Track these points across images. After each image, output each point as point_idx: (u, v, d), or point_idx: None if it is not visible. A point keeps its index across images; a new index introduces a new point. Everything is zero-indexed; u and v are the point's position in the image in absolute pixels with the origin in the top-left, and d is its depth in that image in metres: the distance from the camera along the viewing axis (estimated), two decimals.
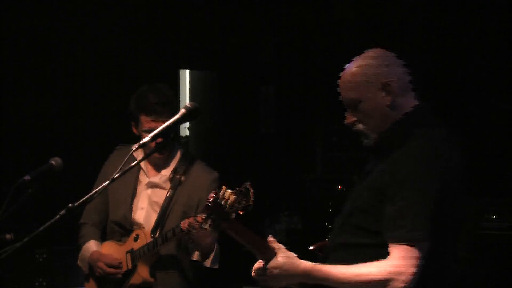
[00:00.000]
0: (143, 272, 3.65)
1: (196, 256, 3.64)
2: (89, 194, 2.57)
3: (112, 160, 3.85)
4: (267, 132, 6.66)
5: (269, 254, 2.53)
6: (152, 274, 3.68)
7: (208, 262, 3.61)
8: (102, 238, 3.88)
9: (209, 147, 6.84)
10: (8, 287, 4.64)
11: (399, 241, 2.43)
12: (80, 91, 5.53)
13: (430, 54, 5.80)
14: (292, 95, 6.51)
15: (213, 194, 2.67)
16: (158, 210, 3.73)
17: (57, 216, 2.52)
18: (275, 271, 2.51)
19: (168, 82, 4.14)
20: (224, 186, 2.75)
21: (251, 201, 3.24)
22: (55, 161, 3.07)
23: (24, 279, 4.65)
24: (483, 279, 4.72)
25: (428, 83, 5.84)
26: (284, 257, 2.53)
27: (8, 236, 3.19)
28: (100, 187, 2.61)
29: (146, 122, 3.63)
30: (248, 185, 3.21)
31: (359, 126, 2.64)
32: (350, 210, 2.62)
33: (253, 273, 2.59)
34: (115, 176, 2.61)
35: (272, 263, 2.51)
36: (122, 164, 2.63)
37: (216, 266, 3.66)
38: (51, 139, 5.32)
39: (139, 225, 3.73)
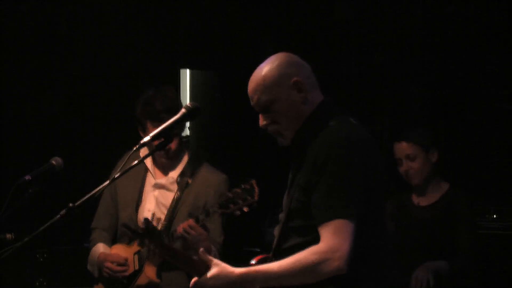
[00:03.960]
0: (149, 273, 3.65)
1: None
2: (90, 194, 2.57)
3: (120, 164, 3.85)
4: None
5: (203, 268, 2.56)
6: (159, 275, 3.67)
7: None
8: (113, 242, 3.88)
9: (209, 146, 6.83)
10: (8, 287, 4.64)
11: (328, 219, 2.45)
12: (80, 90, 5.53)
13: (430, 54, 5.79)
14: None
15: (145, 224, 2.73)
16: (165, 211, 3.72)
17: (58, 216, 2.53)
18: (211, 282, 2.53)
19: (168, 82, 4.14)
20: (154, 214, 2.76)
21: (256, 197, 3.25)
22: (55, 161, 3.08)
23: (24, 279, 4.65)
24: (483, 278, 4.72)
25: (428, 83, 5.84)
26: (217, 267, 2.55)
27: (8, 235, 3.19)
28: (100, 187, 2.61)
29: (152, 129, 3.62)
30: (253, 181, 3.23)
31: (274, 127, 2.71)
32: (286, 215, 2.63)
33: None
34: (115, 176, 2.62)
35: (207, 275, 2.54)
36: (122, 164, 2.64)
37: None
38: (51, 139, 5.31)
39: None
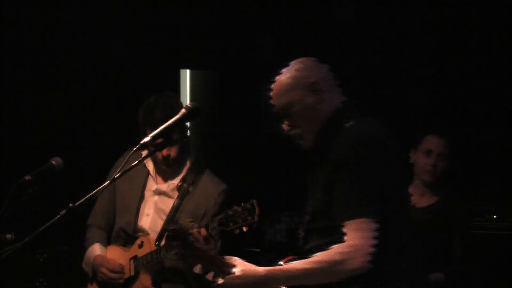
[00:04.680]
0: (145, 281, 3.62)
1: (198, 269, 3.59)
2: (90, 194, 2.57)
3: (120, 162, 3.83)
4: (268, 132, 6.65)
5: (229, 268, 2.57)
6: (154, 283, 3.64)
7: (209, 276, 3.55)
8: (108, 241, 3.87)
9: (209, 147, 6.83)
10: (8, 287, 4.64)
11: (351, 217, 2.46)
12: (80, 91, 5.53)
13: (430, 54, 5.80)
14: None
15: (174, 225, 2.72)
16: (164, 217, 3.71)
17: (58, 216, 2.53)
18: (237, 281, 2.55)
19: (168, 82, 4.13)
20: (186, 218, 2.75)
21: (256, 219, 3.21)
22: (55, 161, 3.07)
23: (25, 279, 4.65)
24: (483, 279, 4.72)
25: (428, 82, 5.84)
26: (243, 266, 2.58)
27: (8, 236, 3.19)
28: (100, 187, 2.61)
29: None
30: (254, 201, 3.19)
31: (296, 131, 2.74)
32: (310, 217, 2.65)
33: None
34: (115, 176, 2.62)
35: (233, 274, 2.55)
36: (123, 164, 2.64)
37: None
38: (51, 139, 5.31)
39: (143, 232, 3.71)
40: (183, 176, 3.78)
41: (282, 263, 2.72)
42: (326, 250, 2.49)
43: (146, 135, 3.65)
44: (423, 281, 2.70)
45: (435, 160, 4.09)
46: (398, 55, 5.88)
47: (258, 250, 5.58)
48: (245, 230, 3.27)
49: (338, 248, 2.47)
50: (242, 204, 3.26)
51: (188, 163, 3.82)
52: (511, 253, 4.89)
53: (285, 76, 2.76)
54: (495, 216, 4.97)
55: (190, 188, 3.74)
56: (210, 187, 3.77)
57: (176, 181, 3.78)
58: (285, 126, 2.77)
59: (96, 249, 3.79)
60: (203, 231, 3.38)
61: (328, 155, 2.58)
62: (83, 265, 3.87)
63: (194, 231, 3.39)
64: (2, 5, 5.24)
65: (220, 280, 2.59)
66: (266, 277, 2.54)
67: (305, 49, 6.35)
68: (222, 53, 6.32)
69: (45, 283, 4.65)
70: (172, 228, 2.70)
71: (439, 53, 5.76)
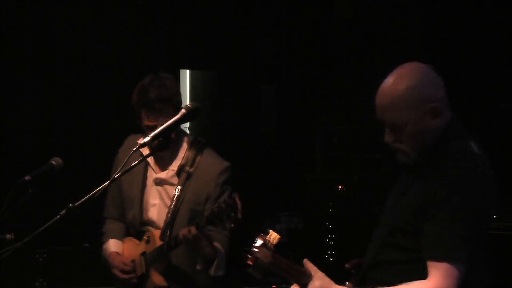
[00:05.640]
0: (156, 279, 3.57)
1: (200, 265, 3.54)
2: (91, 194, 2.56)
3: (124, 149, 3.76)
4: (267, 132, 6.65)
5: (306, 279, 2.54)
6: (165, 279, 3.60)
7: (211, 271, 3.49)
8: (123, 231, 3.81)
9: (209, 147, 6.84)
10: (8, 287, 4.64)
11: (441, 259, 2.42)
12: (80, 91, 5.53)
13: (430, 54, 5.79)
14: (292, 95, 6.51)
15: (253, 250, 2.62)
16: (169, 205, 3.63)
17: (58, 216, 2.53)
18: None
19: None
20: (271, 232, 2.67)
21: (239, 215, 3.15)
22: (55, 161, 3.07)
23: (24, 279, 4.65)
24: (483, 279, 4.71)
25: None
26: (321, 281, 2.53)
27: (8, 236, 3.18)
28: (100, 187, 2.60)
29: (146, 119, 3.50)
30: (236, 196, 3.12)
31: (399, 146, 2.58)
32: (390, 229, 2.58)
33: None
34: (115, 176, 2.61)
35: (310, 285, 2.52)
36: (123, 164, 2.63)
37: (221, 273, 3.53)
38: (51, 139, 5.31)
39: (152, 224, 3.66)
40: (182, 159, 3.64)
41: (347, 266, 2.71)
42: (410, 283, 2.45)
43: (140, 118, 3.59)
44: None
45: None
46: (398, 55, 5.88)
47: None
48: (232, 226, 3.22)
49: (421, 286, 2.43)
50: (225, 200, 3.20)
51: (185, 144, 3.67)
52: (511, 253, 4.88)
53: (406, 89, 2.53)
54: (495, 216, 4.97)
55: (190, 170, 3.64)
56: (209, 168, 3.61)
57: (174, 167, 3.64)
58: (389, 138, 2.60)
59: (110, 246, 3.73)
60: (193, 230, 3.31)
61: (426, 179, 2.50)
62: (102, 260, 3.81)
63: (185, 231, 3.33)
64: (2, 5, 5.24)
65: None
66: None
67: (305, 49, 6.37)
68: (221, 53, 6.32)
69: (45, 283, 4.65)
70: (252, 256, 2.62)
71: (439, 53, 5.76)
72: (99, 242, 3.85)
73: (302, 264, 2.58)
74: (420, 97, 2.52)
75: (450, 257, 2.41)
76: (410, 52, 5.83)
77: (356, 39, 6.00)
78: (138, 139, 3.66)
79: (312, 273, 2.54)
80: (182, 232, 3.35)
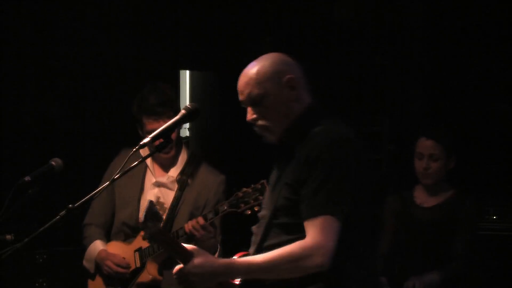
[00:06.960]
0: (152, 270, 3.68)
1: None
2: (90, 195, 2.57)
3: (117, 162, 3.85)
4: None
5: (189, 256, 2.55)
6: (161, 273, 3.69)
7: None
8: (107, 239, 3.89)
9: (210, 147, 6.84)
10: None
11: (315, 215, 2.45)
12: (80, 91, 5.53)
13: (430, 54, 5.80)
14: None
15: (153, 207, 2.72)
16: (165, 209, 3.74)
17: (57, 217, 2.53)
18: (195, 270, 2.52)
19: (168, 82, 4.14)
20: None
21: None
22: (55, 162, 3.07)
23: (24, 279, 4.65)
24: (483, 279, 4.72)
25: (428, 82, 5.84)
26: (202, 256, 2.55)
27: (8, 236, 3.19)
28: (100, 188, 2.61)
29: (148, 124, 3.67)
30: (264, 181, 3.25)
31: (263, 123, 2.72)
32: (271, 213, 2.62)
33: (173, 275, 2.59)
34: (115, 177, 2.62)
35: (192, 263, 2.53)
36: (123, 164, 2.64)
37: None
38: (51, 140, 5.31)
39: None
40: (182, 168, 3.83)
41: (235, 257, 2.70)
42: (287, 246, 2.47)
43: (142, 125, 3.71)
44: None
45: (426, 163, 4.11)
46: (398, 55, 5.88)
47: None
48: (256, 210, 3.31)
49: (299, 245, 2.46)
50: (252, 185, 3.33)
51: (185, 155, 3.86)
52: (511, 253, 4.89)
53: (261, 66, 2.71)
54: (495, 217, 4.97)
55: (189, 180, 3.78)
56: (209, 178, 3.83)
57: (174, 173, 3.82)
58: (251, 115, 2.75)
59: (99, 245, 3.82)
60: (201, 220, 3.45)
61: (297, 153, 2.57)
62: (84, 262, 3.88)
63: (193, 222, 3.47)
64: (2, 5, 5.24)
65: (178, 267, 2.57)
66: (225, 268, 2.53)
67: (305, 49, 6.36)
68: (221, 53, 6.32)
69: (45, 284, 4.66)
70: (148, 207, 2.68)
71: (439, 53, 5.77)
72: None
73: None
74: (274, 71, 2.68)
75: (323, 211, 2.45)
76: (411, 52, 5.83)
77: (355, 39, 6.00)
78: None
79: (194, 251, 2.56)
80: (190, 223, 3.47)
